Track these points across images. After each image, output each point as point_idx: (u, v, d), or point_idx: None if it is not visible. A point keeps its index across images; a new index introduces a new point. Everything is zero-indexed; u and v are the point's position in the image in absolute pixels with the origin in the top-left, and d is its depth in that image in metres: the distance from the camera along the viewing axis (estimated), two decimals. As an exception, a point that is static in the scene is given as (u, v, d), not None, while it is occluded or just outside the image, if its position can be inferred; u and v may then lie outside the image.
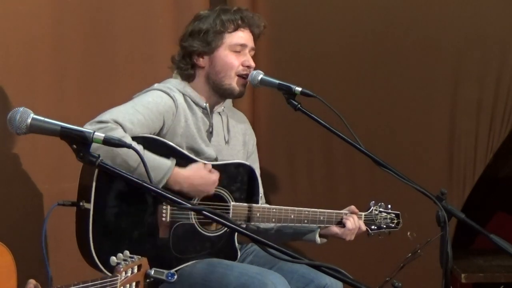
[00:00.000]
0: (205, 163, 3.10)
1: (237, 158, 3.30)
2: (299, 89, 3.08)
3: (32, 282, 2.35)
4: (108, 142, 2.28)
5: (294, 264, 2.84)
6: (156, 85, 3.21)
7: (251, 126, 3.48)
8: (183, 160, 3.09)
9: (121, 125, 2.96)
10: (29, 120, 2.26)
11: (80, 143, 2.25)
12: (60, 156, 3.48)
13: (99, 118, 2.97)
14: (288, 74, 3.76)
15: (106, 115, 2.98)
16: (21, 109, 2.27)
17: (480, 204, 4.53)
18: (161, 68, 3.65)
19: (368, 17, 4.17)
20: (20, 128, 2.26)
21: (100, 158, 2.26)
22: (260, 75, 3.20)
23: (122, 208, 2.99)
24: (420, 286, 4.04)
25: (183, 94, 3.18)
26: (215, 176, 3.10)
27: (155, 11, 3.86)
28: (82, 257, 3.00)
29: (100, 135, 2.26)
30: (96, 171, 2.93)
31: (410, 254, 3.26)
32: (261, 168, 3.45)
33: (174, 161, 3.02)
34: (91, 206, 2.92)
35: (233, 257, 3.20)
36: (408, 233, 3.29)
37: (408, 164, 3.88)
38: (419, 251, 3.24)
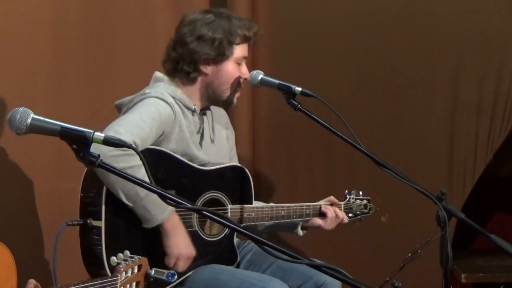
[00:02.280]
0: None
1: (223, 154, 3.31)
2: (299, 89, 3.09)
3: (32, 282, 2.35)
4: (108, 142, 2.27)
5: (293, 262, 2.85)
6: (148, 91, 3.14)
7: (229, 119, 3.48)
8: (181, 168, 3.10)
9: (137, 146, 2.90)
10: (29, 120, 2.25)
11: (80, 143, 2.24)
12: (60, 156, 3.48)
13: (117, 134, 2.84)
14: (288, 74, 3.76)
15: (124, 133, 2.90)
16: (21, 109, 2.27)
17: (480, 204, 4.53)
18: (161, 68, 3.65)
19: (368, 17, 4.16)
20: (20, 128, 2.25)
21: (100, 158, 2.26)
22: (260, 75, 3.20)
23: (129, 221, 2.99)
24: (420, 286, 4.03)
25: (174, 98, 3.16)
26: (192, 253, 3.05)
27: (155, 11, 3.86)
28: (88, 273, 3.00)
29: (100, 134, 2.25)
30: (105, 189, 2.92)
31: (410, 254, 3.26)
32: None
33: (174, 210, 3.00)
34: (102, 223, 2.92)
35: (233, 260, 3.21)
36: (382, 217, 3.35)
37: (408, 164, 3.87)
38: (419, 251, 3.24)
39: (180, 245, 3.02)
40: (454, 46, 4.14)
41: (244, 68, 3.24)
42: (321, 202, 3.38)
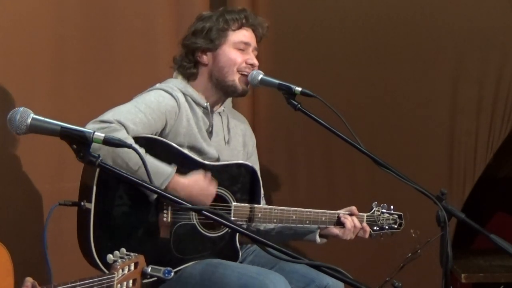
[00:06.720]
0: (205, 172, 3.07)
1: (237, 158, 3.30)
2: (299, 89, 3.08)
3: (29, 280, 2.35)
4: (108, 142, 2.28)
5: (294, 263, 2.85)
6: (158, 85, 3.21)
7: (250, 128, 3.48)
8: (185, 161, 3.08)
9: (124, 126, 2.94)
10: (29, 120, 2.26)
11: (80, 143, 2.25)
12: (60, 156, 3.48)
13: (102, 117, 2.96)
14: (288, 74, 3.76)
15: (109, 115, 2.97)
16: (21, 109, 2.27)
17: (480, 204, 4.53)
18: (162, 68, 3.65)
19: (368, 17, 4.17)
20: (20, 128, 2.26)
21: (100, 158, 2.26)
22: (260, 75, 3.20)
23: (123, 208, 2.98)
24: (420, 286, 4.04)
25: (184, 94, 3.18)
26: (213, 188, 3.07)
27: (155, 11, 3.86)
28: (83, 257, 3.00)
29: (100, 135, 2.26)
30: (98, 171, 2.92)
31: (410, 254, 3.27)
32: (261, 168, 3.45)
33: (175, 168, 3.00)
34: (92, 206, 2.92)
35: (235, 258, 3.20)
36: (412, 231, 3.29)
37: (408, 164, 3.87)
38: (419, 251, 3.24)
39: (196, 198, 2.97)
40: (454, 46, 4.14)
41: (248, 55, 3.22)
42: (340, 211, 3.30)
